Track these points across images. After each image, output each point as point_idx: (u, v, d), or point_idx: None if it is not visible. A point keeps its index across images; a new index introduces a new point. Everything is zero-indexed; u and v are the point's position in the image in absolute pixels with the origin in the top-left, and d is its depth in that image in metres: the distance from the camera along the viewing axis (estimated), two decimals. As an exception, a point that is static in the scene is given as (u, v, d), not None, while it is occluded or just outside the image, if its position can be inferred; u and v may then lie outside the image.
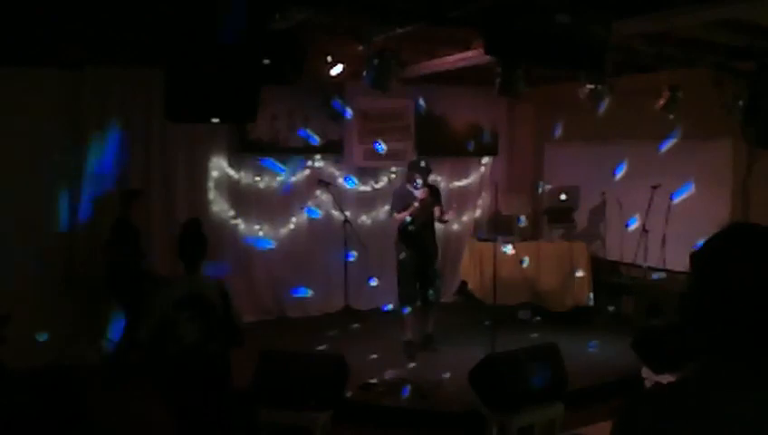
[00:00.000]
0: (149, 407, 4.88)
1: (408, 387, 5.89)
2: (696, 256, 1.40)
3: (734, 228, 1.40)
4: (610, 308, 8.24)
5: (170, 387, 4.31)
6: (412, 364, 6.58)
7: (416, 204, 6.75)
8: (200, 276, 4.54)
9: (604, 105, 6.80)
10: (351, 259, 7.84)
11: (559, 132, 8.47)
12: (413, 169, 6.96)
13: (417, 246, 6.92)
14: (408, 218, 6.80)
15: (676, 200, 7.41)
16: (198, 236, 4.60)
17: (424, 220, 6.90)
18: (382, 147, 8.51)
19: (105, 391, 6.09)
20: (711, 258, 1.38)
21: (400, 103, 8.57)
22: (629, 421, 1.38)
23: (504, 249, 7.94)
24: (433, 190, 7.00)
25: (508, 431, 4.69)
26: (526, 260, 8.10)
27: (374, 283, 8.36)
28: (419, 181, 6.81)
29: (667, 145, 7.43)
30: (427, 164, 7.00)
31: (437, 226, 7.21)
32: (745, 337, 1.32)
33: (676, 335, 4.23)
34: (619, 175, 8.16)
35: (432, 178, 8.60)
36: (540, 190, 8.97)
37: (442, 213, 7.02)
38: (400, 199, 6.94)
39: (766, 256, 1.33)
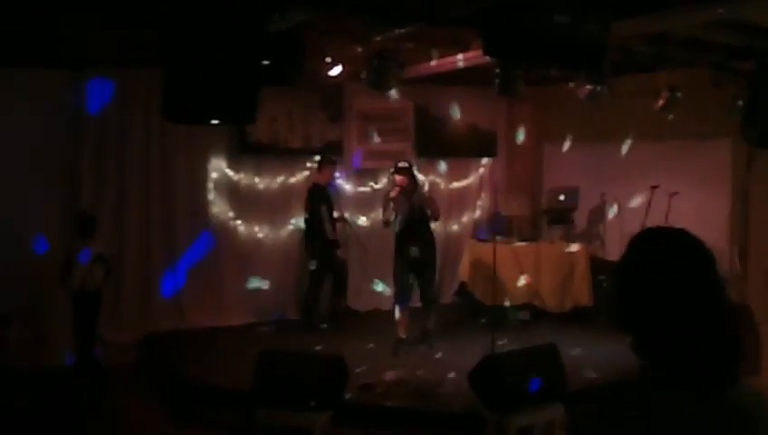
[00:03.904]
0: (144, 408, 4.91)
1: (408, 387, 5.89)
2: (617, 265, 1.47)
3: (646, 234, 1.48)
4: (610, 308, 8.22)
5: None
6: (411, 365, 6.58)
7: (391, 203, 6.81)
8: None
9: (604, 105, 6.80)
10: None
11: (567, 143, 8.46)
12: (394, 171, 6.99)
13: (410, 243, 6.93)
14: (393, 216, 6.84)
15: (676, 201, 7.41)
16: None
17: (414, 217, 6.91)
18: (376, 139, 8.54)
19: (104, 393, 6.09)
20: (622, 265, 1.45)
21: (400, 104, 8.57)
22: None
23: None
24: (409, 189, 6.90)
25: (508, 432, 4.69)
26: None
27: (380, 288, 8.31)
28: (401, 180, 6.84)
29: (667, 146, 7.44)
30: (406, 164, 7.05)
31: (434, 226, 7.24)
32: (659, 340, 1.38)
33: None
34: (619, 175, 8.17)
35: (432, 178, 8.61)
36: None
37: (431, 207, 7.00)
38: (385, 202, 7.01)
39: (668, 260, 1.39)
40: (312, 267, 7.72)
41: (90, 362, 6.27)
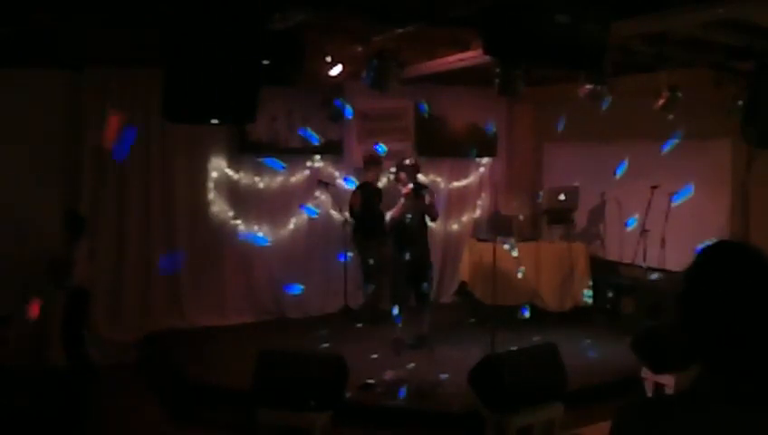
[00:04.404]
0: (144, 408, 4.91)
1: (407, 387, 5.89)
2: (686, 271, 1.45)
3: (722, 246, 1.45)
4: (609, 308, 8.24)
5: None
6: (411, 364, 6.58)
7: (401, 199, 6.80)
8: None
9: (604, 105, 6.80)
10: (346, 260, 7.90)
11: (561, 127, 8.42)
12: (398, 167, 7.06)
13: (409, 245, 6.93)
14: (408, 217, 6.82)
15: (676, 202, 7.41)
16: None
17: (415, 218, 6.91)
18: (384, 148, 8.51)
19: (104, 393, 6.09)
20: (697, 274, 1.43)
21: (400, 103, 8.57)
22: (623, 427, 1.42)
23: (506, 246, 7.93)
24: (417, 186, 6.94)
25: (508, 432, 4.69)
26: (522, 270, 8.07)
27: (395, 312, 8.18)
28: (404, 177, 6.89)
29: (668, 146, 7.44)
30: (412, 162, 7.07)
31: (435, 226, 7.23)
32: (728, 352, 1.36)
33: (675, 336, 4.22)
34: (619, 175, 8.17)
35: (432, 178, 8.61)
36: (540, 199, 8.93)
37: (430, 206, 6.97)
38: (402, 204, 6.95)
39: (747, 276, 1.37)
40: (371, 262, 7.79)
41: (84, 362, 6.26)
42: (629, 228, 8.05)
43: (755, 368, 1.34)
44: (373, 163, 8.00)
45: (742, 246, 1.43)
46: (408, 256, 6.91)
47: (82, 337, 6.34)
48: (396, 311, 6.99)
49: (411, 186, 6.82)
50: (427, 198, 6.93)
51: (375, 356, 6.73)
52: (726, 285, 1.38)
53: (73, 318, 6.25)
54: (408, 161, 7.11)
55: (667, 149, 7.45)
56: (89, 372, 6.22)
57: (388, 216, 6.96)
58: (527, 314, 8.05)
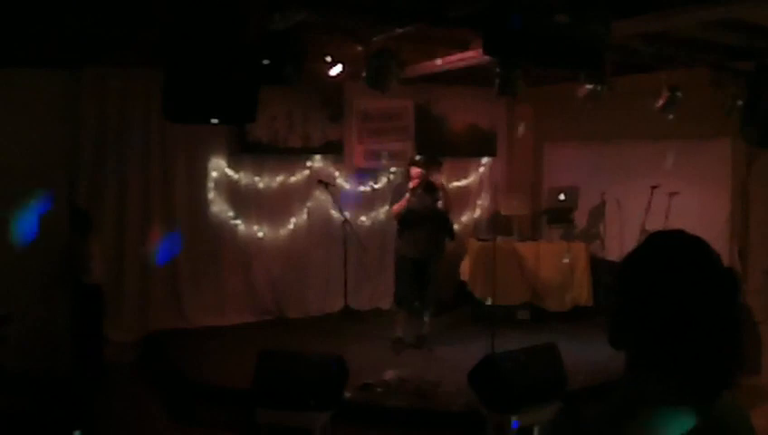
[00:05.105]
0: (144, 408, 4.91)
1: (407, 387, 5.89)
2: (619, 267, 1.40)
3: (654, 238, 1.39)
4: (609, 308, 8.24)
5: None
6: (411, 365, 6.58)
7: (406, 195, 6.81)
8: None
9: (604, 105, 6.81)
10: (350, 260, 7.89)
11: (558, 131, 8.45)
12: (410, 163, 7.11)
13: (415, 242, 6.91)
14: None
15: (676, 201, 7.41)
16: None
17: (421, 215, 6.88)
18: (385, 154, 8.55)
19: (104, 393, 6.09)
20: (628, 268, 1.37)
21: (400, 103, 8.57)
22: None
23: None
24: (429, 184, 6.94)
25: (507, 431, 4.69)
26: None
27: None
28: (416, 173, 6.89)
29: (667, 146, 7.44)
30: (425, 158, 7.16)
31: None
32: (658, 348, 1.31)
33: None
34: (619, 175, 8.18)
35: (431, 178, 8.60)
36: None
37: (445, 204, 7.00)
38: (398, 194, 6.98)
39: (679, 266, 1.31)
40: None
41: (97, 363, 6.27)
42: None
43: (683, 363, 1.29)
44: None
45: (678, 234, 1.36)
46: (411, 255, 6.90)
47: (98, 337, 6.34)
48: (397, 310, 6.99)
49: (417, 181, 6.82)
50: (440, 203, 6.92)
51: (375, 356, 6.72)
52: (656, 273, 1.32)
53: (87, 317, 6.24)
54: (419, 157, 7.24)
55: (664, 147, 7.45)
56: (98, 373, 6.22)
57: (394, 209, 6.97)
58: (527, 316, 8.08)
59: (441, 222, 7.05)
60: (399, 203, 6.87)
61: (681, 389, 1.29)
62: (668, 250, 1.35)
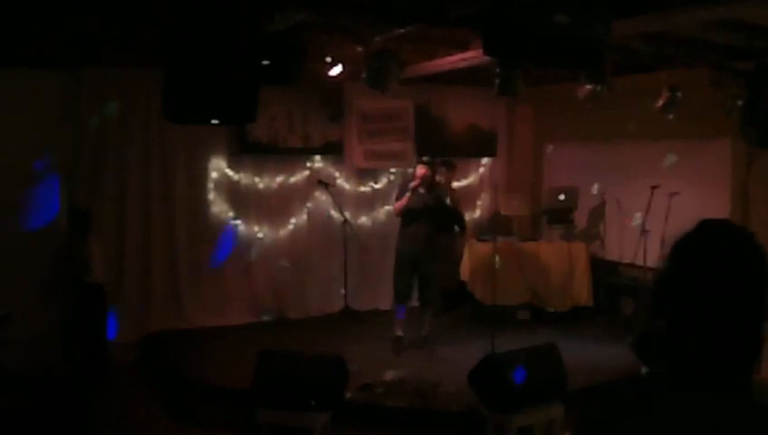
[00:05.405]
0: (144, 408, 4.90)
1: (407, 387, 5.89)
2: (669, 252, 1.45)
3: (705, 226, 1.44)
4: (609, 308, 8.24)
5: None
6: (411, 365, 6.58)
7: (407, 193, 6.87)
8: None
9: (604, 105, 6.81)
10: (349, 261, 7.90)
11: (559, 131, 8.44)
12: (418, 162, 7.28)
13: (413, 237, 6.93)
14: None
15: (676, 201, 7.41)
16: None
17: (421, 213, 6.91)
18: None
19: (104, 393, 6.09)
20: (680, 254, 1.43)
21: (400, 104, 8.57)
22: (589, 427, 1.43)
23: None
24: (432, 183, 7.04)
25: (508, 431, 4.69)
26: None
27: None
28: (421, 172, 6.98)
29: (667, 146, 7.44)
30: (434, 159, 7.39)
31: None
32: (700, 336, 1.34)
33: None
34: (619, 175, 8.17)
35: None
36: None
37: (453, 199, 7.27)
38: (403, 190, 7.05)
39: (731, 255, 1.36)
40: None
41: (100, 363, 6.27)
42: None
43: (714, 350, 1.32)
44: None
45: (726, 225, 1.42)
46: (408, 248, 6.93)
47: (101, 337, 6.34)
48: (396, 310, 7.00)
49: (418, 181, 6.88)
50: (448, 200, 7.10)
51: (375, 356, 6.72)
52: (714, 263, 1.36)
53: (90, 317, 6.24)
54: (426, 158, 7.40)
55: (664, 147, 7.45)
56: (100, 373, 6.22)
57: (396, 205, 7.09)
58: (527, 316, 8.07)
59: (444, 219, 7.14)
60: (400, 201, 6.97)
61: (711, 367, 1.32)
62: (717, 232, 1.42)
